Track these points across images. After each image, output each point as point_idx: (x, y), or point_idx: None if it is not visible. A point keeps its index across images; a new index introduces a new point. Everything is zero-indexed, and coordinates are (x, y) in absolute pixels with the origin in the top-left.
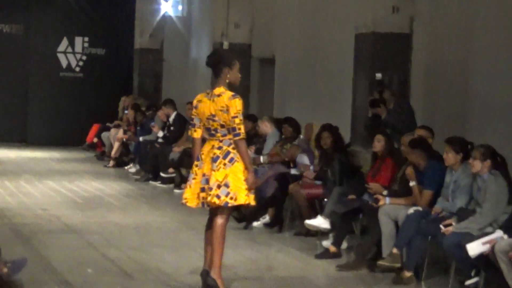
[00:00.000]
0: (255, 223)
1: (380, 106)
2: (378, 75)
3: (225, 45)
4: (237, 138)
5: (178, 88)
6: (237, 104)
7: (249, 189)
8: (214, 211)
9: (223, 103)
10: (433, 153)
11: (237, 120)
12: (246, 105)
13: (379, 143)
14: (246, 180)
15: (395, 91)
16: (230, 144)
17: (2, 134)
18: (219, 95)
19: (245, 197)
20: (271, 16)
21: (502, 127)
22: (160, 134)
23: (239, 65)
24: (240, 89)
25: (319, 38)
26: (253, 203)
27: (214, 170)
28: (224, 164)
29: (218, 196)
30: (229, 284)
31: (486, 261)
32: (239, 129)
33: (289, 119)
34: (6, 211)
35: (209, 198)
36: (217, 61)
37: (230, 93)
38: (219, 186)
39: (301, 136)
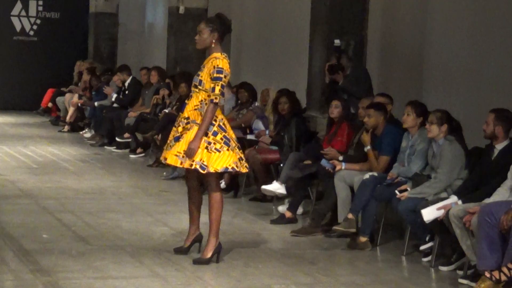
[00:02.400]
0: None
1: (338, 72)
2: (337, 41)
3: (181, 9)
4: None
5: (134, 52)
6: None
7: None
8: None
9: None
10: (390, 119)
11: None
12: None
13: (336, 108)
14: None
15: (351, 57)
16: None
17: None
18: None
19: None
20: None
21: (459, 91)
22: (114, 96)
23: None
24: (194, 55)
25: (276, 3)
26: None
27: None
28: None
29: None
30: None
31: (440, 226)
32: None
33: (245, 84)
34: None
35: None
36: None
37: None
38: None
39: (256, 103)
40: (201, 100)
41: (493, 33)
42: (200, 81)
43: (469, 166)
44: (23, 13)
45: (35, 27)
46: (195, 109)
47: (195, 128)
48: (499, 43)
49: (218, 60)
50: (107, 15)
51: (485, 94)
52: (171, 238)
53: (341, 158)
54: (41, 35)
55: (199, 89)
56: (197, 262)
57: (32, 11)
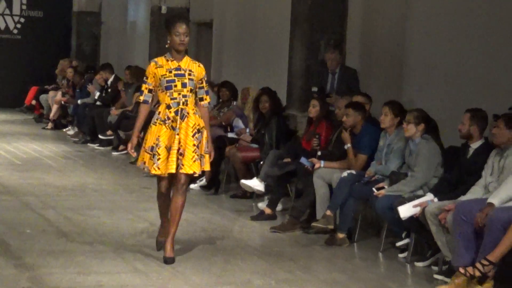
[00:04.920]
0: (192, 185)
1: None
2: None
3: (163, 9)
4: None
5: (116, 50)
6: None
7: None
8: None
9: None
10: (369, 118)
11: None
12: None
13: (314, 108)
14: None
15: (339, 57)
16: None
17: None
18: None
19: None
20: None
21: (436, 91)
22: (97, 94)
23: (177, 28)
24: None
25: (256, 2)
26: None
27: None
28: None
29: None
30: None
31: (416, 223)
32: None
33: (226, 83)
34: None
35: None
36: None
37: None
38: None
39: (234, 102)
40: (194, 104)
41: (470, 35)
42: (194, 85)
43: (445, 164)
44: (7, 11)
45: (18, 25)
46: (195, 113)
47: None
48: (475, 45)
49: (201, 66)
50: (89, 13)
51: (461, 94)
52: (152, 235)
53: (319, 153)
54: (24, 33)
55: (191, 93)
56: (171, 261)
57: (16, 9)
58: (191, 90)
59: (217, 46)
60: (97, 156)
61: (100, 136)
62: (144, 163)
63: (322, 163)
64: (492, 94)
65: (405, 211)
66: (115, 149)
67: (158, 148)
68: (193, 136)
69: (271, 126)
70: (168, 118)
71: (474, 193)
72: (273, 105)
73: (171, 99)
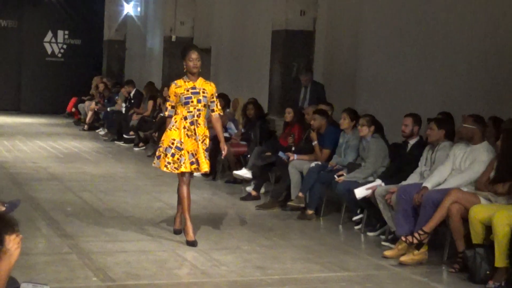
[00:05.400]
0: (195, 174)
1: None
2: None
3: (173, 38)
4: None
5: (137, 70)
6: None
7: None
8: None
9: None
10: (331, 121)
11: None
12: None
13: (289, 114)
14: None
15: (311, 77)
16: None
17: (1, 105)
18: None
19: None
20: (208, 15)
21: (382, 100)
22: (123, 105)
23: (190, 55)
24: (183, 72)
25: (245, 33)
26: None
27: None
28: None
29: None
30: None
31: (368, 202)
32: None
33: (221, 94)
34: (4, 163)
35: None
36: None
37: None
38: None
39: (227, 110)
40: (205, 116)
41: (407, 56)
42: (207, 100)
43: (390, 157)
44: (53, 40)
45: (62, 50)
46: (204, 125)
47: (206, 139)
48: (410, 64)
49: (212, 84)
50: (117, 41)
51: (400, 102)
52: (165, 211)
53: (293, 149)
54: (66, 57)
55: (204, 107)
56: (194, 244)
57: (60, 38)
58: (204, 105)
59: (214, 65)
60: (122, 151)
61: (124, 136)
62: (159, 157)
63: (295, 156)
64: (424, 102)
65: (360, 193)
66: (136, 145)
67: (173, 149)
68: (202, 142)
69: (256, 128)
70: (184, 127)
71: (412, 179)
72: (257, 112)
73: (188, 112)
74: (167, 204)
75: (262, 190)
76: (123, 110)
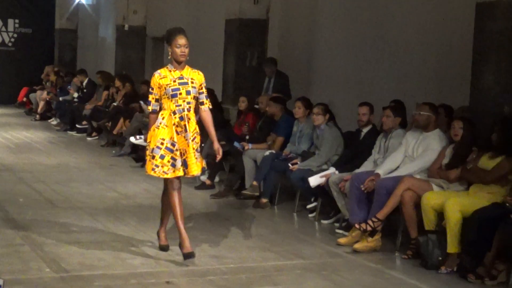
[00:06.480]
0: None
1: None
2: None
3: (126, 27)
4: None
5: (89, 60)
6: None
7: None
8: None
9: None
10: (286, 110)
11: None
12: (141, 74)
13: (243, 103)
14: None
15: (274, 69)
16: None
17: None
18: None
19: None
20: (161, 4)
21: (336, 89)
22: (75, 95)
23: (177, 40)
24: (136, 62)
25: (199, 22)
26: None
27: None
28: None
29: None
30: (131, 209)
31: (322, 190)
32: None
33: None
34: None
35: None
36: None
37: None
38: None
39: None
40: (194, 110)
41: (359, 48)
42: (196, 91)
43: (343, 145)
44: (3, 29)
45: (12, 39)
46: (194, 119)
47: (198, 137)
48: (363, 56)
49: (201, 73)
50: (69, 30)
51: (353, 91)
52: (119, 201)
53: (247, 137)
54: (17, 46)
55: (195, 99)
56: (191, 256)
57: (11, 27)
58: (194, 97)
59: (167, 56)
60: (75, 141)
61: (77, 126)
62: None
63: (250, 145)
64: (376, 90)
65: (314, 181)
66: (89, 135)
67: (162, 150)
68: (192, 140)
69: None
70: (174, 124)
71: (366, 166)
72: (212, 101)
73: (176, 106)
74: (121, 194)
75: (217, 179)
76: (76, 99)
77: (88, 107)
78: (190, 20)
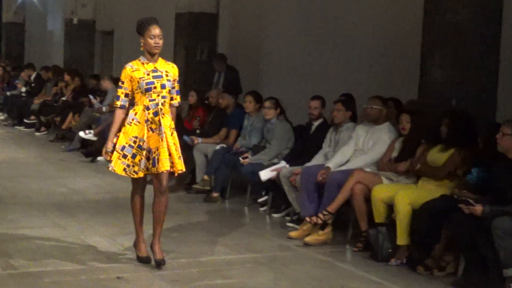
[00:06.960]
0: (99, 157)
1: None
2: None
3: (75, 20)
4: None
5: (37, 54)
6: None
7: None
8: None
9: None
10: (237, 104)
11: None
12: (91, 68)
13: (192, 97)
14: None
15: (224, 64)
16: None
17: None
18: None
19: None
20: None
21: (286, 83)
22: (23, 89)
23: (151, 30)
24: (85, 55)
25: (149, 15)
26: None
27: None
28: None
29: None
30: (79, 204)
31: (273, 184)
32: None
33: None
34: None
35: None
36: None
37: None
38: None
39: None
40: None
41: (313, 39)
42: (171, 85)
43: (294, 139)
44: None
45: None
46: (169, 114)
47: (174, 132)
48: (313, 50)
49: (175, 66)
50: (15, 24)
51: (303, 85)
52: (69, 196)
53: (198, 131)
54: None
55: (169, 93)
56: (163, 263)
57: None
58: (169, 91)
59: (117, 49)
60: (23, 136)
61: (25, 120)
62: (111, 161)
63: (200, 139)
64: (326, 84)
65: (265, 174)
66: (38, 130)
67: (134, 149)
68: (171, 135)
69: None
70: (147, 120)
71: (316, 160)
72: None
73: (150, 100)
74: (70, 190)
75: None
76: (24, 94)
77: (36, 102)
78: (139, 13)
